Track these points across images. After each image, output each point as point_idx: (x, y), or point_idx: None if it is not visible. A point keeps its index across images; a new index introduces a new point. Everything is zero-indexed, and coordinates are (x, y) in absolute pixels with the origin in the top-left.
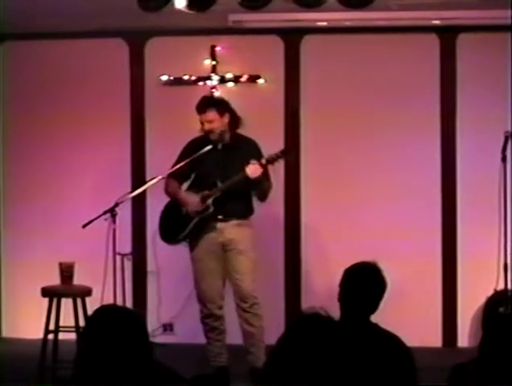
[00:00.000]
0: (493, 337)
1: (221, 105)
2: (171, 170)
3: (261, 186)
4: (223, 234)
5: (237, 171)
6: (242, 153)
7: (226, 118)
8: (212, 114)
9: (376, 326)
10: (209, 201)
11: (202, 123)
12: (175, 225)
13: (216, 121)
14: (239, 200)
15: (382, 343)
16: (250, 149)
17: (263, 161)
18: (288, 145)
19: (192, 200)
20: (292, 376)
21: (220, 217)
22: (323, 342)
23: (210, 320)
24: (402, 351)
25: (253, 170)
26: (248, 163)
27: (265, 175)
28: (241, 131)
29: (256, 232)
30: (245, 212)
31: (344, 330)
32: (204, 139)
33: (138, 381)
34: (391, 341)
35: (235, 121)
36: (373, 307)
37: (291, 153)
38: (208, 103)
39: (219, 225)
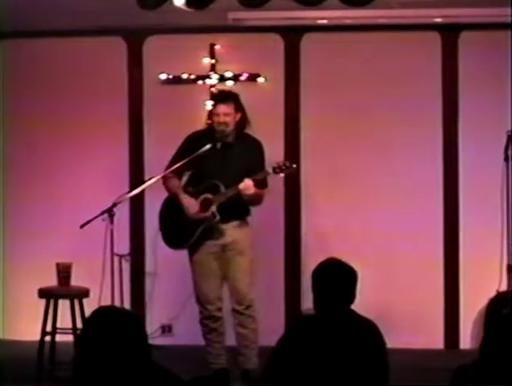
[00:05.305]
0: (495, 338)
1: (239, 101)
2: (171, 168)
3: (251, 201)
4: (224, 236)
5: (236, 172)
6: (243, 154)
7: (238, 115)
8: (230, 107)
9: (358, 315)
10: (213, 208)
11: (216, 114)
12: (180, 232)
13: (232, 116)
14: (237, 201)
15: (366, 330)
16: (252, 151)
17: (269, 170)
18: (291, 158)
19: (191, 203)
20: (293, 376)
21: (220, 219)
22: (322, 341)
23: (209, 321)
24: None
25: (247, 187)
26: (248, 165)
27: (257, 195)
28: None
29: (256, 233)
30: (244, 213)
31: (334, 325)
32: (204, 134)
33: (137, 383)
34: (369, 326)
35: (244, 121)
36: (351, 297)
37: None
38: (228, 95)
39: (220, 227)
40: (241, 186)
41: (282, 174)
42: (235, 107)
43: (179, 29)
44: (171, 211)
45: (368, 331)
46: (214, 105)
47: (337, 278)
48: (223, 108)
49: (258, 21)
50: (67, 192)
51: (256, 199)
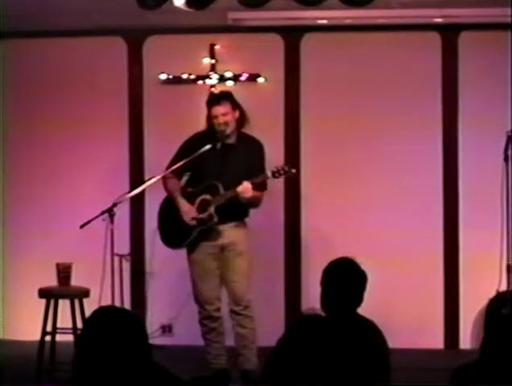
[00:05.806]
0: (495, 338)
1: (234, 99)
2: (171, 169)
3: (249, 204)
4: (222, 237)
5: (235, 173)
6: (243, 155)
7: (237, 113)
8: (227, 107)
9: (363, 317)
10: (211, 209)
11: (214, 117)
12: (178, 231)
13: (230, 115)
14: (235, 203)
15: (370, 333)
16: (252, 151)
17: (268, 174)
18: (291, 158)
19: (187, 209)
20: (293, 378)
21: (218, 220)
22: (323, 343)
23: (208, 321)
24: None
25: (245, 190)
26: (248, 166)
27: (255, 198)
28: (244, 130)
29: (256, 233)
30: (242, 214)
31: (336, 327)
32: (204, 135)
33: (137, 383)
34: (373, 328)
35: (242, 119)
36: (358, 300)
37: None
38: (223, 95)
39: (218, 228)
40: (240, 189)
41: (281, 178)
42: (232, 106)
43: (179, 29)
44: (169, 211)
45: (371, 333)
46: (211, 108)
47: (347, 279)
48: (220, 110)
49: (258, 21)
50: (67, 192)
51: (254, 202)
